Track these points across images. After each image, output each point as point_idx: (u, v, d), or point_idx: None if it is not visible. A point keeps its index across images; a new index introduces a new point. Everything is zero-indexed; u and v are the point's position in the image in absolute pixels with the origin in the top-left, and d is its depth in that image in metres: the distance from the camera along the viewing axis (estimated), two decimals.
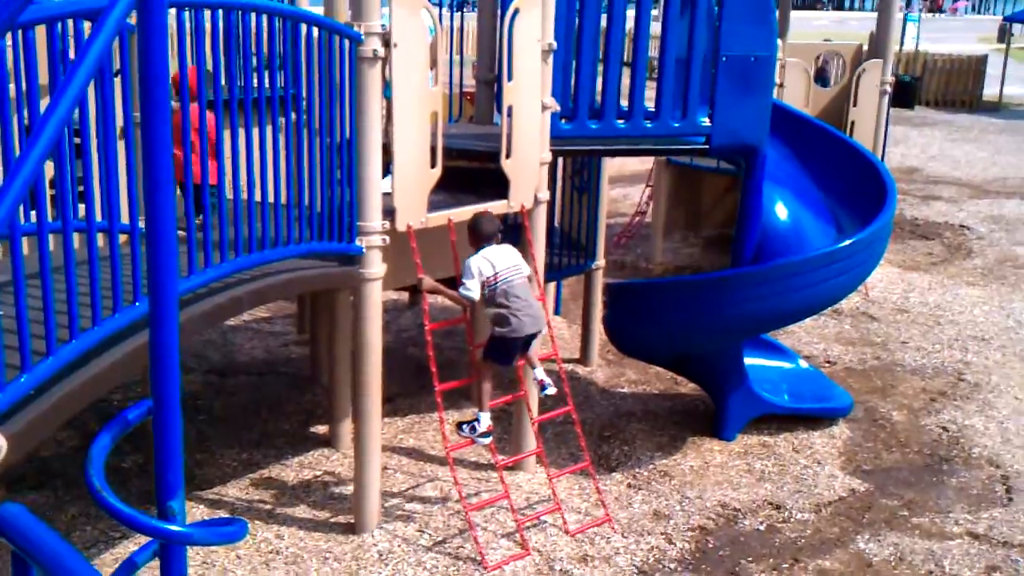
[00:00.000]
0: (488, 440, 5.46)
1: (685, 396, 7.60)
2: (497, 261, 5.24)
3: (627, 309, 6.87)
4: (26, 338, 3.04)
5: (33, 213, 3.37)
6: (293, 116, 4.71)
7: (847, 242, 6.53)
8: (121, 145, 3.93)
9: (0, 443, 1.23)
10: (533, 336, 5.40)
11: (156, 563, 2.32)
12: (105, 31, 2.04)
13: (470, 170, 5.95)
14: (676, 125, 6.46)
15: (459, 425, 5.49)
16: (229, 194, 4.30)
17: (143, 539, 2.32)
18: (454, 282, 5.61)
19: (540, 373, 5.57)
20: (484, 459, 6.31)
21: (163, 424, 2.16)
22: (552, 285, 8.57)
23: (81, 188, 4.31)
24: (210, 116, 4.11)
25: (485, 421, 5.38)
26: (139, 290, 3.59)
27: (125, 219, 3.85)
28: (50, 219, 3.37)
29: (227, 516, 5.51)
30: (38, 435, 3.15)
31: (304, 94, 4.72)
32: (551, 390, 5.54)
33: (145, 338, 3.52)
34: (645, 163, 12.99)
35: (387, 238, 5.19)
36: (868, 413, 7.44)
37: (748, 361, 7.01)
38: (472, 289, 5.21)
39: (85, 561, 1.83)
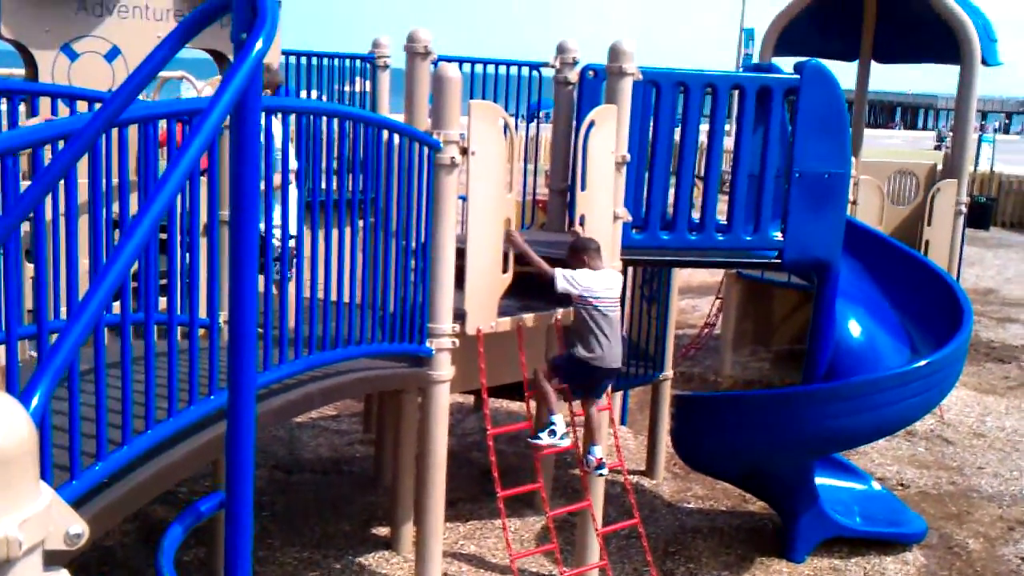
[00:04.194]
0: (568, 442, 5.43)
1: (754, 514, 7.40)
2: (600, 283, 5.29)
3: (696, 422, 6.78)
4: (103, 427, 3.10)
5: (116, 304, 3.48)
6: (371, 219, 4.82)
7: (923, 362, 6.40)
8: (203, 242, 4.06)
9: (82, 530, 1.25)
10: (610, 375, 5.37)
11: None
12: (203, 133, 2.13)
13: (539, 277, 6.01)
14: (748, 239, 6.48)
15: (536, 434, 5.44)
16: (307, 293, 4.39)
17: None
18: (519, 387, 5.61)
19: (600, 452, 5.52)
20: (547, 569, 6.18)
21: (235, 518, 2.17)
22: (619, 395, 8.50)
23: (164, 281, 4.44)
24: None
25: (560, 423, 5.35)
26: (215, 383, 3.65)
27: (203, 314, 3.94)
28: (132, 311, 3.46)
29: None
30: (108, 524, 3.19)
31: (383, 197, 4.83)
32: (604, 471, 5.50)
33: (216, 431, 3.59)
34: (715, 275, 12.96)
35: (456, 341, 5.22)
36: (943, 540, 7.16)
37: (819, 481, 6.82)
38: (564, 283, 5.25)
39: None
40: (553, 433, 5.41)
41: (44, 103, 4.77)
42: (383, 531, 6.68)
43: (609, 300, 5.33)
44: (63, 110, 4.67)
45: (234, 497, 2.17)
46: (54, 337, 3.37)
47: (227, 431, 2.19)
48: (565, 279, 5.32)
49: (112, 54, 5.32)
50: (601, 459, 5.53)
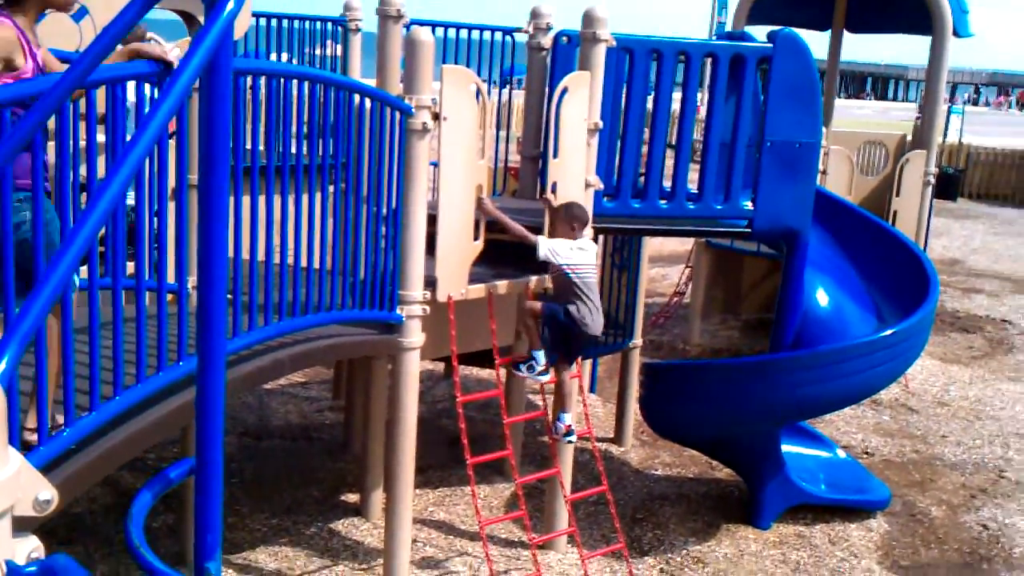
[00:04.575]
0: (547, 378, 5.52)
1: (720, 481, 7.48)
2: (579, 253, 5.34)
3: (665, 390, 6.82)
4: (71, 393, 3.07)
5: (84, 269, 3.43)
6: (342, 185, 4.78)
7: (890, 331, 6.47)
8: (171, 206, 4.00)
9: (51, 496, 1.24)
10: (591, 342, 5.52)
11: None
12: (173, 95, 2.09)
13: (511, 244, 6.00)
14: (719, 207, 6.49)
15: (516, 365, 5.55)
16: (276, 259, 4.35)
17: None
18: (490, 355, 5.62)
19: (569, 419, 5.57)
20: (516, 536, 6.23)
21: (205, 484, 2.16)
22: (588, 362, 8.53)
23: (131, 248, 4.39)
24: None
25: (541, 359, 5.44)
26: (183, 350, 3.62)
27: (171, 279, 3.90)
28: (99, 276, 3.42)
29: None
30: (76, 490, 3.16)
31: (353, 163, 4.79)
32: (573, 439, 5.58)
33: (184, 398, 3.57)
34: (684, 243, 13.00)
35: (427, 308, 5.21)
36: (906, 507, 7.28)
37: (785, 448, 6.90)
38: (546, 253, 5.29)
39: None
40: (532, 369, 5.47)
41: None
42: (352, 498, 6.69)
43: (588, 267, 5.36)
44: None
45: (203, 463, 2.16)
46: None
47: (196, 397, 2.18)
48: (548, 249, 5.33)
49: (79, 14, 5.19)
50: (570, 426, 5.57)
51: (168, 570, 2.00)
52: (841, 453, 7.73)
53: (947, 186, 22.82)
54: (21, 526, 1.37)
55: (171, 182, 3.82)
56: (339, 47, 8.44)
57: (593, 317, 5.36)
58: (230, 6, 2.21)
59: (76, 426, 3.09)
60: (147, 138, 2.08)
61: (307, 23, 8.45)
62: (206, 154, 2.25)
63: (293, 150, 4.74)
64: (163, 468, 2.43)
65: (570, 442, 5.71)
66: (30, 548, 1.22)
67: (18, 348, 1.69)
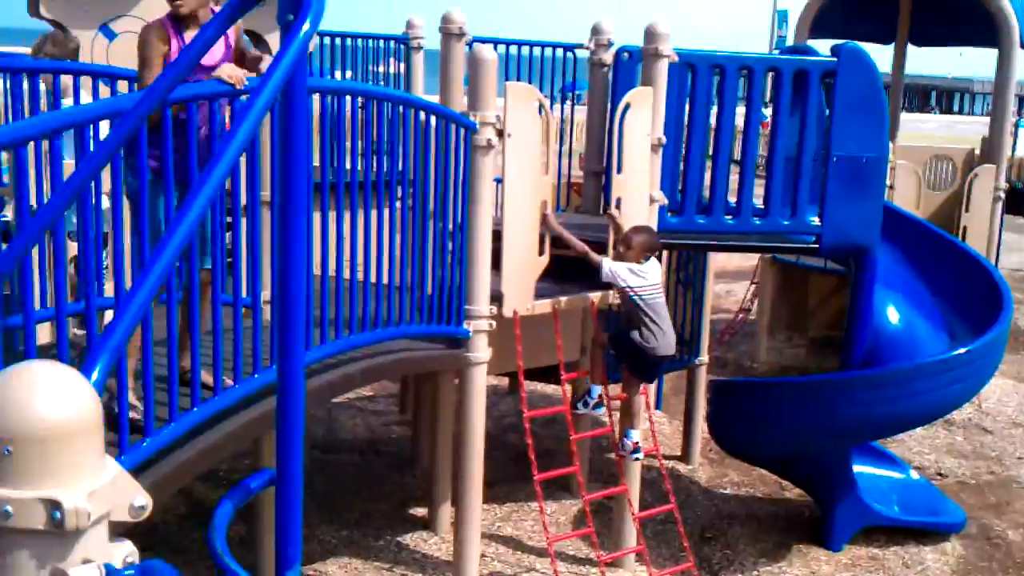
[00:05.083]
0: (602, 411, 5.63)
1: (790, 501, 7.37)
2: (641, 277, 5.31)
3: (734, 408, 6.76)
4: (150, 405, 3.15)
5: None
6: (410, 201, 4.83)
7: (963, 349, 6.35)
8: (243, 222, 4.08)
9: (146, 502, 1.28)
10: (664, 362, 5.52)
11: None
12: (253, 114, 2.13)
13: (574, 260, 6.00)
14: (785, 223, 6.43)
15: (573, 404, 5.63)
16: (346, 274, 4.41)
17: None
18: (552, 370, 5.64)
19: (636, 436, 5.56)
20: (583, 553, 6.20)
21: (285, 494, 2.19)
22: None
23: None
24: None
25: (597, 393, 5.54)
26: (258, 363, 3.69)
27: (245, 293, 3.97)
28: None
29: None
30: (154, 499, 3.23)
31: (420, 180, 4.83)
32: (640, 456, 5.61)
33: (258, 410, 3.64)
34: (749, 259, 12.87)
35: (493, 323, 5.24)
36: (982, 530, 7.09)
37: (857, 469, 6.77)
38: (610, 275, 5.29)
39: None
40: (586, 404, 5.54)
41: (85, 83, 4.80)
42: (420, 511, 6.72)
43: (652, 289, 5.34)
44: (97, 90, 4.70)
45: (284, 474, 2.19)
46: (106, 315, 3.42)
47: (277, 409, 2.21)
48: (610, 270, 5.33)
49: None
50: (637, 443, 5.55)
51: None
52: (914, 474, 7.56)
53: (1018, 201, 22.29)
54: (114, 532, 1.41)
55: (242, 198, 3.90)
56: (400, 64, 8.55)
57: (659, 339, 5.34)
58: (306, 27, 2.25)
59: (156, 436, 3.16)
60: (230, 155, 2.12)
61: (370, 41, 8.58)
62: (285, 172, 2.29)
63: (361, 167, 4.81)
64: (234, 479, 2.47)
65: (637, 459, 5.70)
66: (125, 553, 1.26)
67: (109, 358, 1.73)
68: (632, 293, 5.31)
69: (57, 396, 1.16)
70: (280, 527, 2.20)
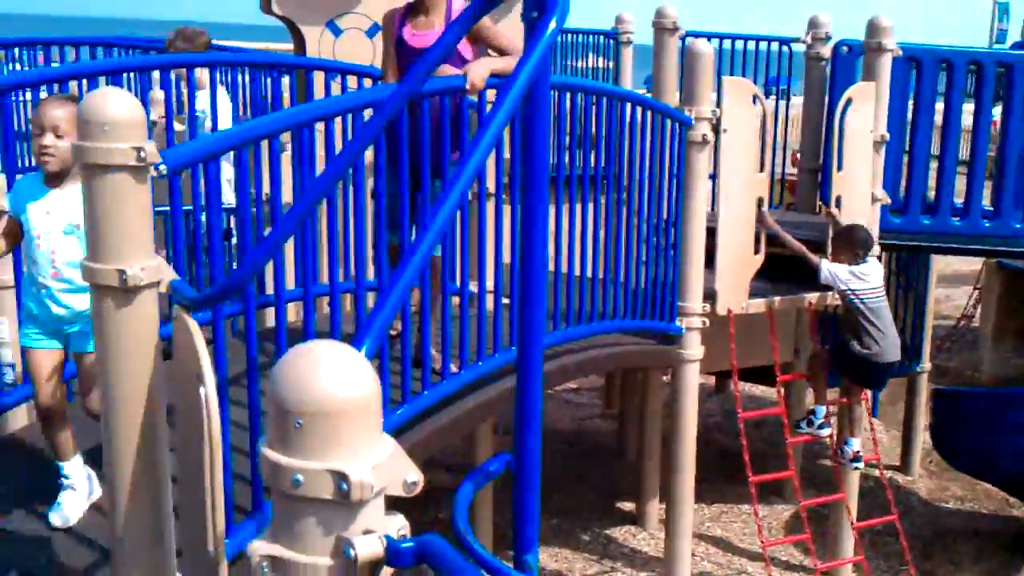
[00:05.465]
0: (828, 431, 5.50)
1: (1018, 520, 6.94)
2: (869, 277, 5.17)
3: (962, 420, 6.43)
4: (407, 376, 3.46)
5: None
6: (625, 196, 4.85)
7: None
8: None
9: (418, 478, 1.34)
10: (889, 368, 5.32)
11: None
12: (502, 112, 2.20)
13: (788, 258, 5.88)
14: (1018, 226, 6.10)
15: (797, 424, 5.54)
16: (564, 268, 4.49)
17: None
18: (770, 371, 5.54)
19: (857, 444, 5.40)
20: (796, 559, 6.07)
21: (524, 478, 2.27)
22: None
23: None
24: None
25: (821, 413, 5.45)
26: (482, 350, 3.84)
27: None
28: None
29: None
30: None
31: (634, 174, 4.83)
32: (860, 464, 5.47)
33: (487, 395, 3.81)
34: (970, 263, 12.15)
35: (707, 320, 5.20)
36: None
37: None
38: (828, 277, 5.17)
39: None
40: (811, 423, 5.43)
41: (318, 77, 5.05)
42: (627, 506, 6.74)
43: (873, 292, 5.16)
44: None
45: (523, 458, 2.28)
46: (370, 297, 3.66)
47: (516, 394, 2.29)
48: (831, 274, 5.20)
49: (373, 30, 5.44)
50: (858, 452, 5.38)
51: (494, 560, 2.11)
52: None
53: None
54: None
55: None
56: (602, 60, 8.55)
57: (882, 345, 5.16)
58: (552, 25, 2.33)
59: (412, 404, 3.45)
60: (481, 151, 2.22)
61: (580, 36, 8.64)
62: (525, 166, 2.39)
63: (567, 161, 4.87)
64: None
65: (857, 468, 5.52)
66: (399, 526, 1.32)
67: (377, 335, 1.87)
68: (853, 296, 5.15)
69: (342, 374, 1.21)
70: (519, 510, 2.28)
